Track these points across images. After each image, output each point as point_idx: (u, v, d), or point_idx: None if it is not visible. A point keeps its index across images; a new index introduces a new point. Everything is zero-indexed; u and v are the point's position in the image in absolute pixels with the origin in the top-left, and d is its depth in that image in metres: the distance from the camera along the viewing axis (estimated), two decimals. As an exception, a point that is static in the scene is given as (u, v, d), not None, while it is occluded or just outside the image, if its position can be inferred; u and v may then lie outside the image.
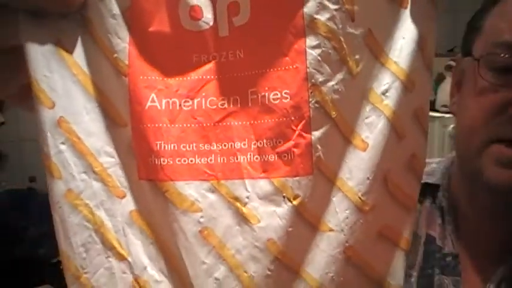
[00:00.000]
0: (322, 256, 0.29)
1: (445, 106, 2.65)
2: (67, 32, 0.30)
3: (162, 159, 0.28)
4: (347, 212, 0.29)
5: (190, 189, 0.29)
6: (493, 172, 0.50)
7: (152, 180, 0.29)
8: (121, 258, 0.30)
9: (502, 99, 0.49)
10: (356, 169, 0.29)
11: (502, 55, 0.50)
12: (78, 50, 0.30)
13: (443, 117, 2.59)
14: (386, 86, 0.30)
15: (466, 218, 0.60)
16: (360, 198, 0.29)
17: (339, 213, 0.29)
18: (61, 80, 0.29)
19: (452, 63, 2.62)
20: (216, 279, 0.29)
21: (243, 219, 0.29)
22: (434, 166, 0.65)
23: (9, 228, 1.89)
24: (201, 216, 0.29)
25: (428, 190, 0.62)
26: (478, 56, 0.53)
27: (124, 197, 0.30)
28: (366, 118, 0.30)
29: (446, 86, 2.71)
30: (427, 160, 0.64)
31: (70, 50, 0.30)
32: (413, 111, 0.31)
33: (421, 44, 0.30)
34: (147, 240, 0.30)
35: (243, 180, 0.29)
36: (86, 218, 0.29)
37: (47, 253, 1.98)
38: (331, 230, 0.29)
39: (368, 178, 0.29)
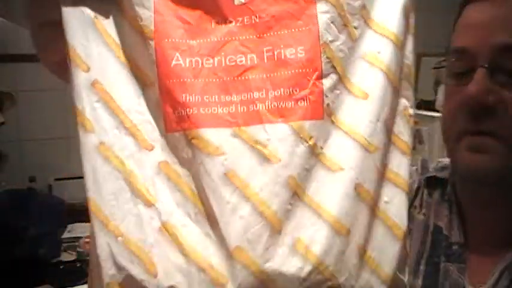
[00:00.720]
0: (336, 193, 0.33)
1: (445, 106, 2.66)
2: (101, 8, 0.35)
3: (188, 110, 0.32)
4: (355, 151, 0.34)
5: (215, 136, 0.32)
6: (465, 158, 0.55)
7: (179, 131, 0.33)
8: (149, 204, 0.32)
9: (459, 99, 0.56)
10: (359, 115, 0.35)
11: (453, 60, 0.58)
12: (111, 24, 0.35)
13: (443, 117, 2.59)
14: (380, 47, 0.37)
15: (467, 209, 0.64)
16: (365, 139, 0.34)
17: (348, 154, 0.33)
18: (96, 48, 0.35)
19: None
20: (241, 217, 0.31)
21: (264, 159, 0.32)
22: (446, 162, 0.69)
23: (9, 228, 1.89)
24: (225, 159, 0.32)
25: (438, 183, 0.67)
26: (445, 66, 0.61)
27: (153, 149, 0.33)
28: (366, 73, 0.36)
29: (446, 86, 2.71)
30: (440, 159, 0.69)
31: (104, 24, 0.35)
32: (402, 68, 0.39)
33: (405, 14, 0.40)
34: (175, 187, 0.32)
35: (262, 125, 0.33)
36: (117, 168, 0.32)
37: (47, 253, 1.98)
38: (341, 169, 0.33)
39: (371, 122, 0.34)
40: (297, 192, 0.32)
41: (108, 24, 0.35)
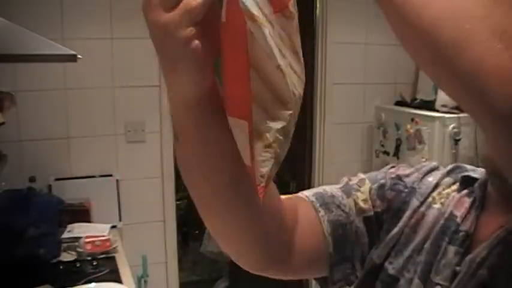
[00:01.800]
0: None
1: (445, 106, 2.65)
2: None
3: None
4: None
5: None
6: None
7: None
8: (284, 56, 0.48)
9: None
10: None
11: None
12: None
13: (443, 117, 2.59)
14: None
15: (490, 206, 0.64)
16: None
17: None
18: None
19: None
20: None
21: None
22: (472, 167, 0.71)
23: (9, 228, 1.89)
24: None
25: (470, 183, 0.68)
26: None
27: (273, 27, 0.47)
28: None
29: (446, 86, 2.71)
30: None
31: None
32: None
33: None
34: (284, 42, 0.47)
35: None
36: (269, 42, 0.46)
37: (47, 253, 1.98)
38: None
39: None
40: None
41: None
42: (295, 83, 0.48)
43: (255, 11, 0.44)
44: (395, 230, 0.70)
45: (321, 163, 3.05)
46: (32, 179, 2.29)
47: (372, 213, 0.72)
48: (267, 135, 0.48)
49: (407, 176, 0.74)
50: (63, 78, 2.42)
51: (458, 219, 0.65)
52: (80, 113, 2.48)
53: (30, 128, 2.39)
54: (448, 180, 0.71)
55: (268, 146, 0.49)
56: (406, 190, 0.72)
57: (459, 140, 2.52)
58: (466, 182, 0.68)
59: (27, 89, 2.35)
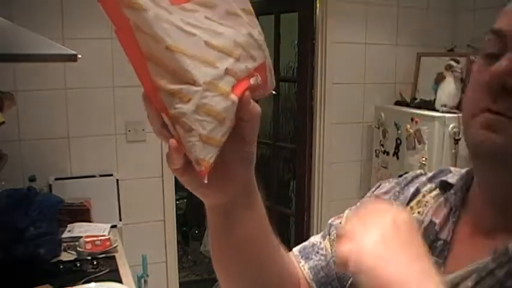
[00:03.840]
0: None
1: (444, 106, 2.65)
2: None
3: None
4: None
5: (188, 6, 0.51)
6: (478, 135, 0.57)
7: (174, 4, 0.50)
8: (193, 35, 0.50)
9: (482, 77, 0.57)
10: None
11: (487, 40, 0.59)
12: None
13: (443, 116, 2.59)
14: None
15: (468, 203, 0.66)
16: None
17: None
18: None
19: (453, 63, 2.62)
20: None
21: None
22: (458, 170, 0.73)
23: (9, 228, 1.89)
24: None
25: (448, 188, 0.69)
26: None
27: (171, 13, 0.49)
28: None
29: (446, 86, 2.71)
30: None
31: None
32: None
33: None
34: (193, 24, 0.51)
35: None
36: (169, 23, 0.49)
37: (47, 253, 1.98)
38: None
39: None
40: (231, 13, 0.53)
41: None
42: (210, 59, 0.50)
43: None
44: None
45: (321, 163, 3.05)
46: (32, 179, 2.29)
47: None
48: (184, 119, 0.49)
49: (386, 193, 0.76)
50: (63, 78, 2.42)
51: (437, 227, 0.66)
52: (80, 113, 2.48)
53: (30, 127, 2.39)
54: (429, 186, 0.73)
55: (189, 129, 0.49)
56: None
57: (459, 139, 2.52)
58: (444, 187, 0.70)
59: (27, 89, 2.35)
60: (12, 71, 2.32)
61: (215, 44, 0.51)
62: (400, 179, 0.77)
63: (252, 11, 0.56)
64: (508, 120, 0.54)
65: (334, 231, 0.77)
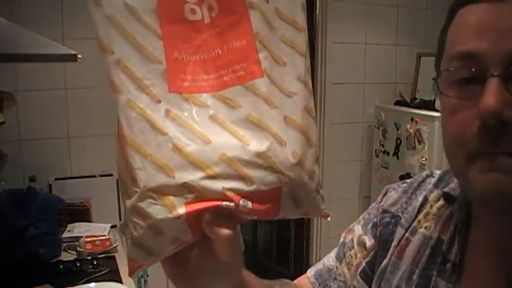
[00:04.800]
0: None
1: (445, 106, 2.66)
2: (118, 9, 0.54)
3: (184, 82, 0.52)
4: (282, 96, 0.54)
5: (201, 96, 0.51)
6: (481, 181, 0.50)
7: (177, 92, 0.51)
8: (164, 134, 0.49)
9: (470, 114, 0.50)
10: (283, 74, 0.55)
11: (457, 67, 0.52)
12: (126, 20, 0.53)
13: (443, 117, 2.59)
14: (289, 32, 0.56)
15: (474, 230, 0.61)
16: (287, 90, 0.55)
17: (278, 99, 0.54)
18: (116, 37, 0.52)
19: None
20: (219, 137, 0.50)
21: (232, 107, 0.52)
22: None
23: (9, 228, 1.89)
24: (210, 109, 0.51)
25: (452, 200, 0.64)
26: (438, 75, 0.55)
27: (160, 102, 0.50)
28: (283, 48, 0.56)
29: (446, 86, 2.71)
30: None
31: (121, 21, 0.52)
32: (307, 45, 0.58)
33: (303, 8, 0.57)
34: (177, 123, 0.50)
35: (228, 89, 0.52)
36: (140, 114, 0.50)
37: (47, 253, 1.98)
38: (276, 107, 0.54)
39: (290, 78, 0.55)
40: (251, 120, 0.51)
41: (125, 21, 0.52)
42: (167, 165, 0.47)
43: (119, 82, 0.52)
44: (384, 262, 0.69)
45: (320, 163, 3.04)
46: (32, 179, 2.30)
47: (363, 264, 0.72)
48: (126, 212, 0.49)
49: (393, 204, 0.72)
50: (63, 78, 2.42)
51: (444, 247, 0.62)
52: (80, 113, 2.48)
53: (30, 128, 2.39)
54: (435, 194, 0.68)
55: (126, 224, 0.49)
56: (393, 220, 0.70)
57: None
58: (448, 199, 0.65)
59: (27, 89, 2.35)
60: (12, 71, 2.32)
61: (186, 151, 0.47)
62: (406, 185, 0.73)
63: (306, 130, 0.54)
64: None
65: (349, 253, 0.75)
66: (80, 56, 1.62)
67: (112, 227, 2.30)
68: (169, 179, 0.46)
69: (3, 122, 1.91)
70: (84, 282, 1.79)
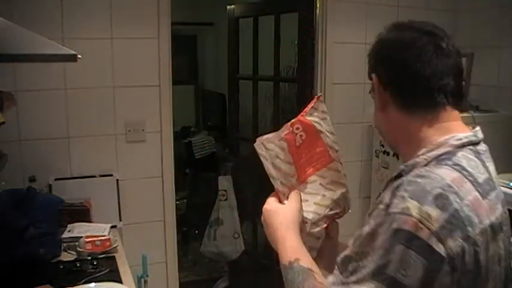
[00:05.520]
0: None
1: (445, 106, 2.65)
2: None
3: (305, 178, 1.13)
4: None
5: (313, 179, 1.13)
6: None
7: (302, 183, 1.11)
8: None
9: None
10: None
11: None
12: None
13: (443, 117, 2.59)
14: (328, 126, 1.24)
15: None
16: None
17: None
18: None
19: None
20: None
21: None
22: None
23: (9, 228, 1.89)
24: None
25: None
26: None
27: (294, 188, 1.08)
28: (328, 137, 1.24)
29: (446, 86, 2.71)
30: None
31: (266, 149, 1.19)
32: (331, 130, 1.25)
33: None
34: (313, 199, 1.11)
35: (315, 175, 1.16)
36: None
37: (47, 253, 1.98)
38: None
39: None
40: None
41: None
42: (316, 211, 1.09)
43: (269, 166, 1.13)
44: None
45: (320, 163, 3.05)
46: (32, 179, 2.29)
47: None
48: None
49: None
50: (63, 78, 2.42)
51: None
52: (80, 113, 2.48)
53: (30, 128, 2.39)
54: None
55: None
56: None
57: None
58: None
59: (27, 89, 2.35)
60: (12, 71, 2.32)
61: (320, 203, 1.05)
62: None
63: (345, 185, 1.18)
64: None
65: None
66: (79, 56, 1.62)
67: (112, 227, 2.30)
68: (317, 216, 1.07)
69: (3, 122, 1.91)
70: (84, 283, 1.79)
